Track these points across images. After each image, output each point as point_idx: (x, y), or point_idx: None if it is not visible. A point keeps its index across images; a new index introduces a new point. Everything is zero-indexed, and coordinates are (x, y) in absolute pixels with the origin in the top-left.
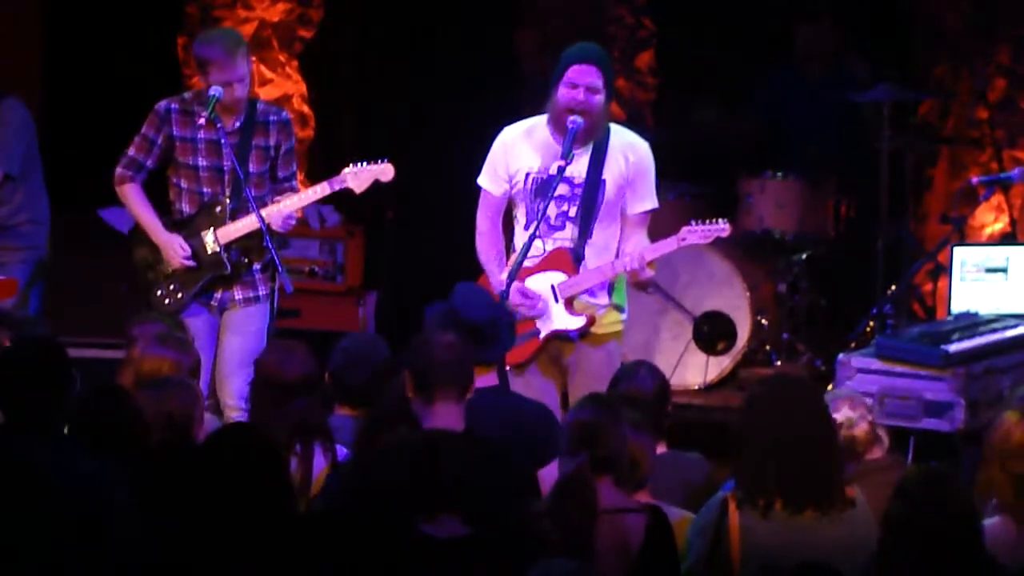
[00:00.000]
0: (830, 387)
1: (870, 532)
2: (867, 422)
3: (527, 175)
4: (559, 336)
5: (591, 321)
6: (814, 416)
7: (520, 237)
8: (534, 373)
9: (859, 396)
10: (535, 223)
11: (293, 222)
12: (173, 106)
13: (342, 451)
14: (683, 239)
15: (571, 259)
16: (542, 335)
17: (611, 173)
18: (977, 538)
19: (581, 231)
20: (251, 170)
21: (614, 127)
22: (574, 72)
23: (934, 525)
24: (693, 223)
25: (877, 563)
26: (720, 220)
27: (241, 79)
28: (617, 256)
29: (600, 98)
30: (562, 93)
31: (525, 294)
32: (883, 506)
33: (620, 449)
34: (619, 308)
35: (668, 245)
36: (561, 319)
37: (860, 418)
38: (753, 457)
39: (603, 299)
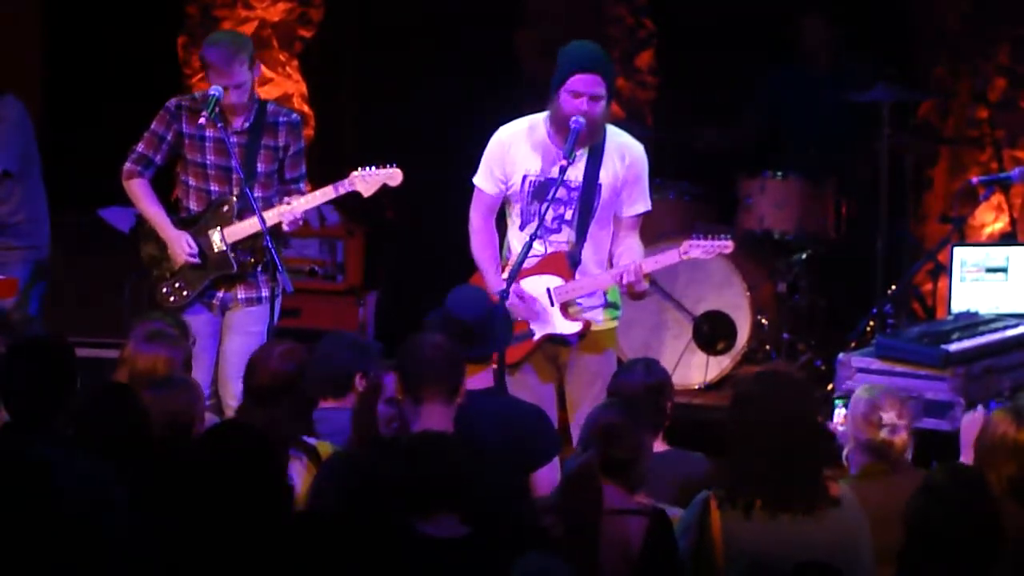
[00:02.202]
0: (829, 386)
1: (858, 531)
2: (907, 432)
3: (524, 177)
4: (554, 340)
5: (587, 327)
6: (800, 415)
7: (514, 237)
8: (529, 372)
9: (908, 400)
10: (534, 225)
11: (298, 225)
12: (184, 103)
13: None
14: (685, 252)
15: (568, 264)
16: (536, 336)
17: (607, 176)
18: (1001, 541)
19: (578, 235)
20: (259, 170)
21: (609, 128)
22: (577, 82)
23: (962, 525)
24: (696, 237)
25: (899, 561)
26: (724, 236)
27: (239, 85)
28: (610, 258)
29: (602, 104)
30: (565, 100)
31: (520, 296)
32: (878, 505)
33: (636, 454)
34: (614, 306)
35: (669, 258)
36: (557, 323)
37: (903, 427)
38: (736, 455)
39: (598, 299)
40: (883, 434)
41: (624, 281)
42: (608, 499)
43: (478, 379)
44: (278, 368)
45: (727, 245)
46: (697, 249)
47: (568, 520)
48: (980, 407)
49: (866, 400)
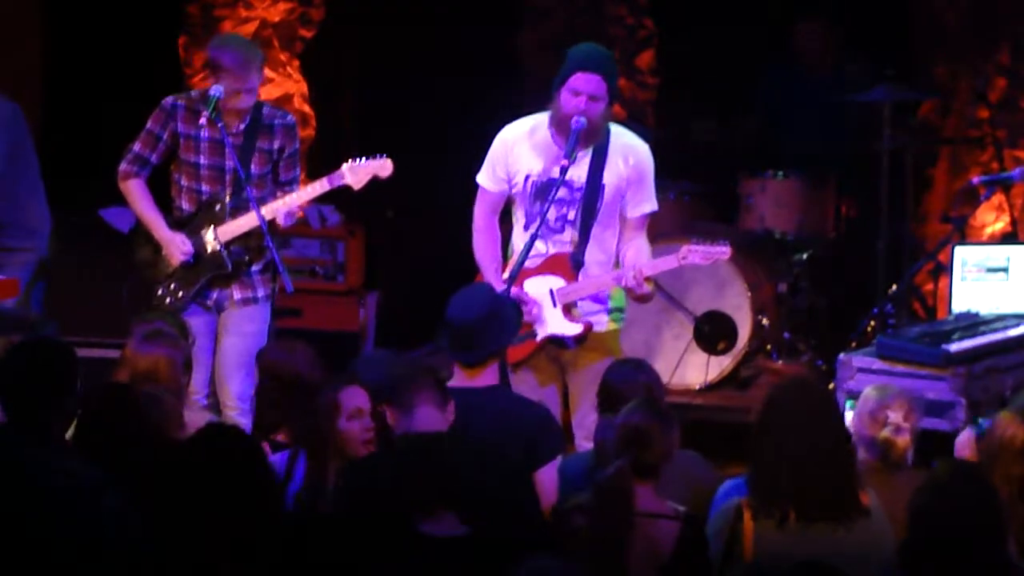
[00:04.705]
0: (831, 386)
1: (886, 539)
2: (911, 435)
3: (527, 177)
4: (555, 341)
5: (588, 329)
6: (830, 425)
7: (519, 237)
8: (532, 372)
9: (916, 401)
10: (535, 225)
11: (294, 219)
12: (179, 103)
13: None
14: (683, 257)
15: (571, 265)
16: (539, 337)
17: (610, 177)
18: (1003, 536)
19: (581, 236)
20: (253, 171)
21: (614, 128)
22: (577, 80)
23: (964, 521)
24: (695, 242)
25: (901, 555)
26: (721, 242)
27: (251, 90)
28: (616, 258)
29: (601, 105)
30: (565, 99)
31: (521, 300)
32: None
33: (666, 456)
34: (618, 310)
35: (668, 263)
36: (559, 324)
37: (907, 430)
38: (767, 464)
39: (601, 304)
40: (886, 432)
41: (624, 285)
42: (639, 501)
43: (484, 376)
44: (322, 373)
45: (725, 251)
46: (696, 255)
47: (599, 524)
48: (970, 428)
49: (876, 399)
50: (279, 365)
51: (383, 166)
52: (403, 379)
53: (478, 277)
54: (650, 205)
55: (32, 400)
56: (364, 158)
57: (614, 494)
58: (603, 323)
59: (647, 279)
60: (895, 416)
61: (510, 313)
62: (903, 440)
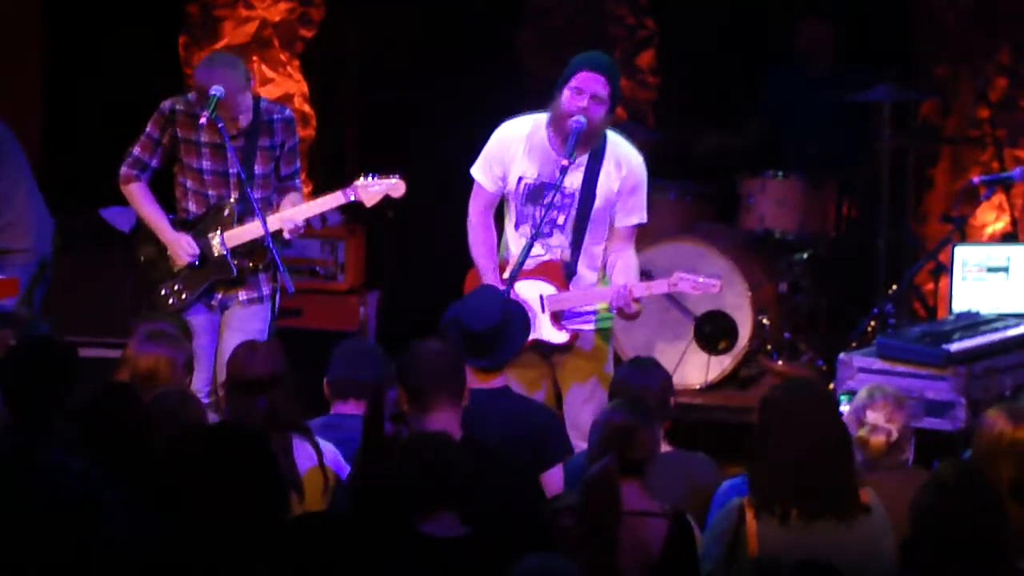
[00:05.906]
0: (831, 386)
1: (887, 537)
2: (887, 435)
3: (520, 179)
4: (540, 344)
5: (574, 338)
6: (829, 424)
7: (510, 235)
8: (523, 370)
9: (906, 403)
10: (531, 229)
11: (301, 231)
12: (177, 107)
13: (329, 448)
14: (674, 284)
15: (563, 273)
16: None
17: (603, 185)
18: (1005, 538)
19: (573, 243)
20: (257, 171)
21: (610, 136)
22: (582, 79)
23: (966, 521)
24: (687, 274)
25: (902, 555)
26: (714, 279)
27: (247, 110)
28: (603, 265)
29: (603, 108)
30: (567, 97)
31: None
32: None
33: (651, 453)
34: (608, 310)
35: (659, 287)
36: (546, 330)
37: (885, 431)
38: (768, 464)
39: (588, 311)
40: (862, 432)
41: (614, 305)
42: (627, 500)
43: (496, 380)
44: (270, 361)
45: (715, 285)
46: (686, 284)
47: (588, 523)
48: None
49: (861, 399)
50: (235, 366)
51: (395, 186)
52: (428, 379)
53: (471, 272)
54: (639, 216)
55: (32, 400)
56: (376, 176)
57: (601, 492)
58: (590, 322)
59: (635, 300)
60: (873, 416)
61: (521, 315)
62: (876, 440)
